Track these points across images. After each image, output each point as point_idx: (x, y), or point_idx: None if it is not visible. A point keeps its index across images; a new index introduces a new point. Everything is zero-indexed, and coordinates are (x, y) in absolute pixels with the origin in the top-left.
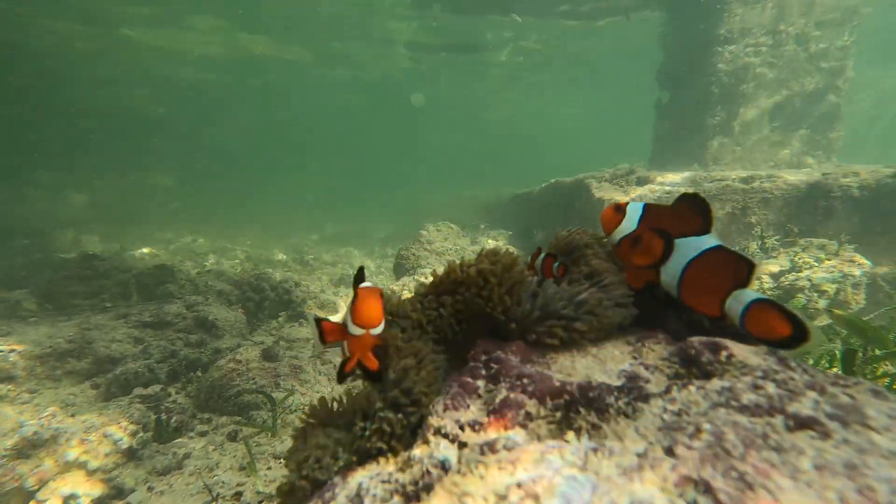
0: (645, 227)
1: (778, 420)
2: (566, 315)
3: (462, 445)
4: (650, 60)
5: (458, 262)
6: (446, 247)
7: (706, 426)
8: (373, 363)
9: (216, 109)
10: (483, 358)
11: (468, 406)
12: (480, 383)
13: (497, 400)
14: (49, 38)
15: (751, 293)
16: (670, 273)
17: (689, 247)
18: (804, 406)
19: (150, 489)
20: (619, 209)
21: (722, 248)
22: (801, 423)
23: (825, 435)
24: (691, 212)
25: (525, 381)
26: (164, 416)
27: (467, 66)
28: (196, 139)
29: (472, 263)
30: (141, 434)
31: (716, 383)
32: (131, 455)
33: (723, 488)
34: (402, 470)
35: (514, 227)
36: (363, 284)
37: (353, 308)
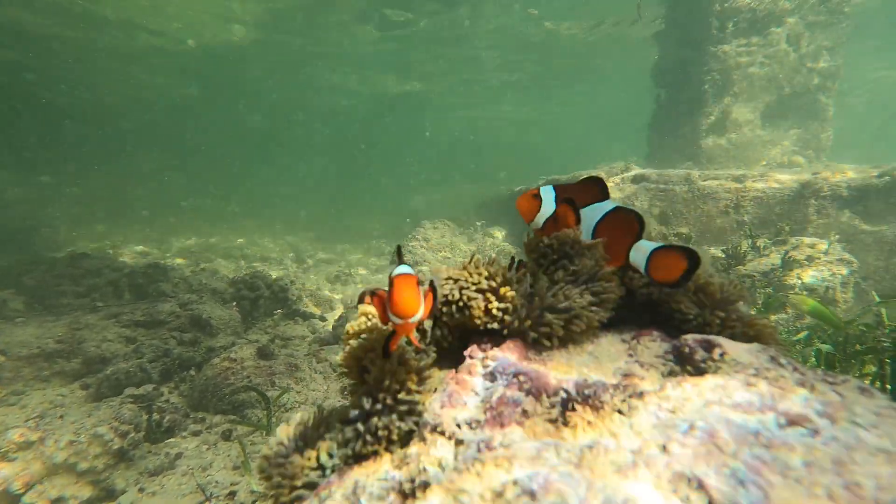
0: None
1: (769, 417)
2: (556, 324)
3: (459, 443)
4: (646, 59)
5: (447, 278)
6: (443, 244)
7: (699, 423)
8: (416, 343)
9: (211, 110)
10: (480, 356)
11: (465, 404)
12: (478, 381)
13: (494, 398)
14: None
15: (649, 244)
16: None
17: (594, 211)
18: (795, 403)
19: (141, 490)
20: (536, 196)
21: (619, 209)
22: (791, 421)
23: (814, 432)
24: (593, 186)
25: (522, 378)
26: (156, 416)
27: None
28: (192, 139)
29: (463, 285)
30: (132, 434)
31: (709, 381)
32: (122, 456)
33: (715, 485)
34: (398, 467)
35: (510, 224)
36: (397, 270)
37: (389, 299)
